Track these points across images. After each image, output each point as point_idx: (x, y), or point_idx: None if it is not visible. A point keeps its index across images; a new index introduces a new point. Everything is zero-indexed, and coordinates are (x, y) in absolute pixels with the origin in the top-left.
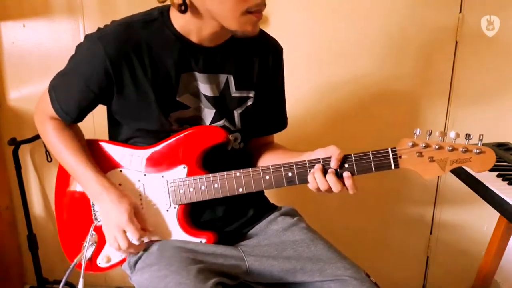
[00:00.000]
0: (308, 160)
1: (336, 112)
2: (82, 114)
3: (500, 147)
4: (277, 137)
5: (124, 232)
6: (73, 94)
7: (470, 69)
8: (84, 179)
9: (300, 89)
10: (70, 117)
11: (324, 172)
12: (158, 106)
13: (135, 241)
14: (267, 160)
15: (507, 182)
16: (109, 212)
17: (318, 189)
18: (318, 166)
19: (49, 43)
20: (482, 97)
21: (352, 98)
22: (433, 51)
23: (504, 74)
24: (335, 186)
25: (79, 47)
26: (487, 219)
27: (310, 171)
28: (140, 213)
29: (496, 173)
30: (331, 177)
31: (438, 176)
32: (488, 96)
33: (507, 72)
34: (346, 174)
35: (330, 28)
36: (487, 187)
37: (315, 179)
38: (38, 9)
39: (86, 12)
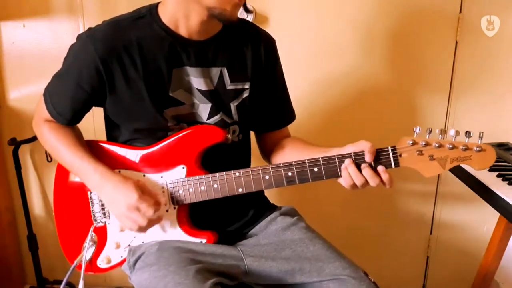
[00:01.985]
0: (308, 160)
1: (335, 110)
2: (76, 115)
3: (500, 147)
4: None
5: (139, 209)
6: (66, 95)
7: (470, 69)
8: (82, 172)
9: (299, 86)
10: (64, 118)
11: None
12: (151, 102)
13: (152, 216)
14: (287, 155)
15: (507, 182)
16: (115, 197)
17: (354, 185)
18: (349, 161)
19: (49, 43)
20: (482, 97)
21: (351, 96)
22: (433, 51)
23: (504, 74)
24: (373, 180)
25: (70, 48)
26: (487, 219)
27: (310, 170)
28: (147, 190)
29: (496, 173)
30: (367, 171)
31: (438, 176)
32: (488, 96)
33: (507, 72)
34: (381, 169)
35: (330, 27)
36: (487, 187)
37: (350, 175)
38: (38, 9)
39: (86, 12)
